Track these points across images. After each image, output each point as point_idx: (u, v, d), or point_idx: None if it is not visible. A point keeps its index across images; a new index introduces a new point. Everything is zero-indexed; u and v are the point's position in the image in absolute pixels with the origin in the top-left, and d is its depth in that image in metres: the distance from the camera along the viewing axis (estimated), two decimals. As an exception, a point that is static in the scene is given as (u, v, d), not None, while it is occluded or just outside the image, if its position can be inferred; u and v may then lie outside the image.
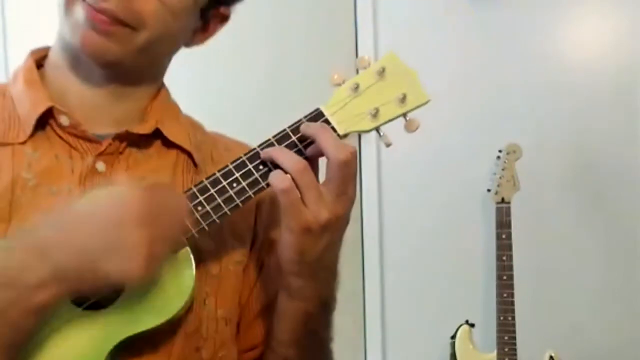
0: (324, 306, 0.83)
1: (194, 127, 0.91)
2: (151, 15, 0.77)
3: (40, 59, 0.86)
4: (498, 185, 1.98)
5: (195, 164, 0.85)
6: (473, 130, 2.21)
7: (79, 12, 0.76)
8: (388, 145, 0.81)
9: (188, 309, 0.77)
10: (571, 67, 2.18)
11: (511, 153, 1.99)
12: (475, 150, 2.18)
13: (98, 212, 0.66)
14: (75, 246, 0.65)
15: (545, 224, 2.17)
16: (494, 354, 1.94)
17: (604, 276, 2.15)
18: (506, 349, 1.92)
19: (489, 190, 2.01)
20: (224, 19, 0.89)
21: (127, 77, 0.82)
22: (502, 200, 1.97)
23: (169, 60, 0.88)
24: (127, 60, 0.79)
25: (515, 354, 1.91)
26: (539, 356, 1.99)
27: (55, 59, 0.84)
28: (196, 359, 0.80)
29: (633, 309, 2.14)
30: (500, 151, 2.01)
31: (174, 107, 0.89)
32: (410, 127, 0.81)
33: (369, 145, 2.27)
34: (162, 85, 0.89)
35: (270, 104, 2.30)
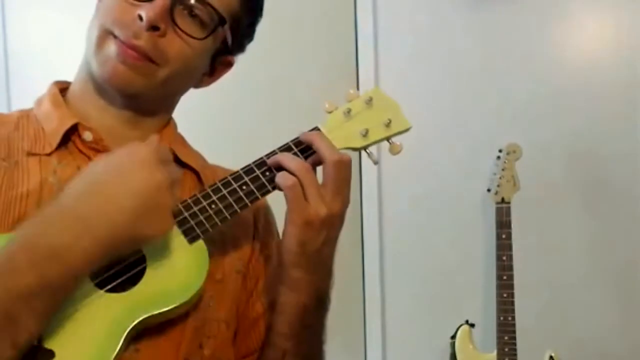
0: (320, 302, 0.90)
1: (199, 155, 1.01)
2: (175, 54, 0.86)
3: (62, 90, 0.94)
4: (498, 185, 1.99)
5: (201, 182, 0.93)
6: (473, 130, 2.21)
7: (111, 47, 0.85)
8: (375, 163, 0.94)
9: (196, 306, 0.83)
10: (571, 67, 2.18)
11: (511, 153, 1.99)
12: (475, 150, 2.18)
13: (126, 177, 0.73)
14: (113, 218, 0.71)
15: (545, 224, 2.17)
16: (494, 354, 1.94)
17: (604, 276, 2.15)
18: (506, 349, 1.92)
19: (489, 190, 2.01)
20: (229, 65, 0.99)
21: (144, 107, 0.91)
22: (502, 200, 1.98)
23: (179, 97, 0.97)
24: (149, 93, 0.88)
25: (515, 354, 1.91)
26: (539, 356, 1.99)
27: (78, 87, 0.92)
28: (198, 355, 0.85)
29: (633, 309, 2.14)
30: (500, 151, 2.01)
31: (181, 137, 0.99)
32: (393, 150, 0.93)
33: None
34: (171, 118, 0.99)
35: (270, 105, 2.30)
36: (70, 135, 0.87)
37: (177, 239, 0.81)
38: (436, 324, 2.19)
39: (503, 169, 1.99)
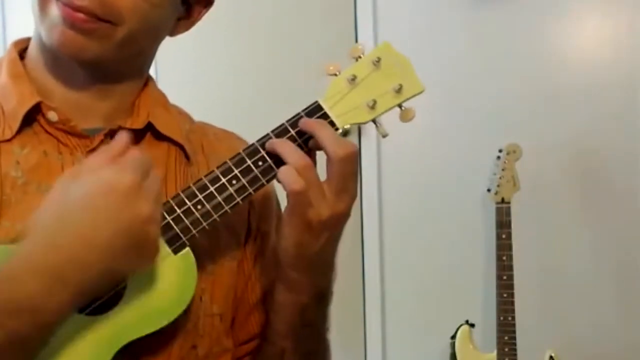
0: (321, 298, 0.83)
1: (183, 116, 0.90)
2: (129, 9, 0.74)
3: (22, 51, 0.83)
4: (498, 185, 1.98)
5: (187, 156, 0.84)
6: (473, 130, 2.21)
7: (54, 11, 0.74)
8: (384, 135, 0.81)
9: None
10: (571, 67, 2.18)
11: (511, 153, 1.99)
12: (475, 150, 2.18)
13: (102, 212, 0.63)
14: (88, 261, 0.63)
15: (545, 224, 2.17)
16: (494, 354, 1.94)
17: (603, 276, 2.15)
18: (506, 349, 1.92)
19: (489, 190, 2.01)
20: (209, 3, 0.86)
21: (110, 74, 0.80)
22: (502, 200, 1.97)
23: (154, 52, 0.86)
24: (108, 57, 0.76)
25: (515, 354, 1.91)
26: (539, 356, 1.99)
27: (35, 58, 0.81)
28: (193, 356, 0.80)
29: (633, 309, 2.14)
30: (500, 151, 2.01)
31: (162, 98, 0.88)
32: (405, 117, 0.80)
33: (369, 144, 2.27)
34: (149, 77, 0.87)
35: (270, 101, 2.30)
36: (34, 114, 0.77)
37: (161, 249, 0.71)
38: (436, 324, 2.19)
39: (503, 169, 1.99)
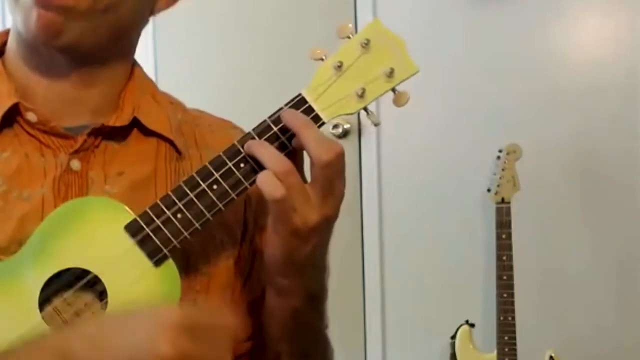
0: (313, 300, 0.81)
1: (174, 106, 0.86)
2: None
3: (2, 45, 0.79)
4: (498, 185, 1.98)
5: (178, 151, 0.80)
6: (473, 130, 2.21)
7: None
8: (376, 124, 0.76)
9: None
10: (571, 67, 2.18)
11: (511, 153, 1.99)
12: (475, 150, 2.18)
13: (131, 324, 0.60)
14: None
15: (545, 224, 2.17)
16: (494, 354, 1.94)
17: (604, 276, 2.15)
18: (506, 349, 1.92)
19: (489, 190, 2.01)
20: None
21: (92, 59, 0.76)
22: (502, 200, 1.97)
23: (138, 34, 0.81)
24: (89, 37, 0.72)
25: (515, 354, 1.91)
26: (539, 356, 1.99)
27: (13, 48, 0.78)
28: None
29: (633, 309, 2.13)
30: (500, 151, 2.01)
31: (150, 86, 0.84)
32: (399, 101, 0.73)
33: (369, 144, 2.27)
34: (135, 63, 0.83)
35: (270, 100, 2.30)
36: (14, 115, 0.73)
37: (140, 264, 0.67)
38: (436, 324, 2.19)
39: (503, 169, 1.99)
